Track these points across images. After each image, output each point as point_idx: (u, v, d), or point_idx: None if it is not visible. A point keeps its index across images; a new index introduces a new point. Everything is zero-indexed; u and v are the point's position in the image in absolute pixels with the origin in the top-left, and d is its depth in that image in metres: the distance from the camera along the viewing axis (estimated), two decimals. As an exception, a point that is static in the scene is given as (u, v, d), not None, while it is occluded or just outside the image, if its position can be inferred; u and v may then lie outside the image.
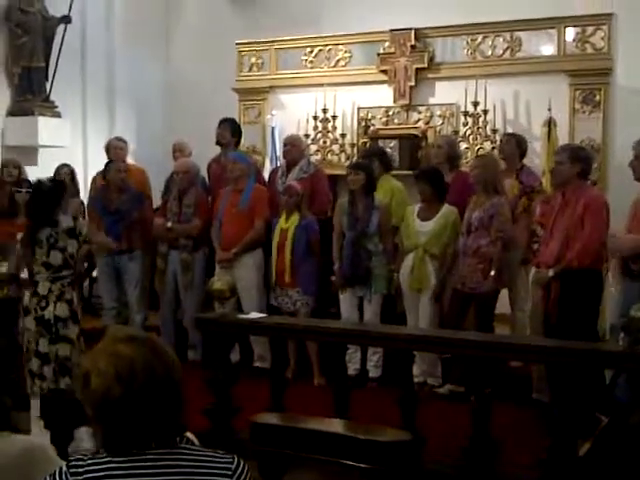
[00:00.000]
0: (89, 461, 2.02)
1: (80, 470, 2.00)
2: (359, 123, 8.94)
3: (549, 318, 5.34)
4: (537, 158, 7.85)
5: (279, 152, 8.68)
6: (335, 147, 8.99)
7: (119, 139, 8.23)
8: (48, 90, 8.97)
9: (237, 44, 9.48)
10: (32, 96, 8.88)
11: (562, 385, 4.82)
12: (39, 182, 5.90)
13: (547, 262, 5.48)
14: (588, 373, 4.81)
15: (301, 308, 6.69)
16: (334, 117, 8.91)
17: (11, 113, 8.86)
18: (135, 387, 2.00)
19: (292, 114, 9.12)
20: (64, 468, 2.02)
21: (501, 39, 8.46)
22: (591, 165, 5.70)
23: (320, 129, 8.97)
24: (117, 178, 7.36)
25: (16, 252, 6.13)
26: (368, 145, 8.56)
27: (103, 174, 7.58)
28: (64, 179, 7.17)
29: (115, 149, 7.98)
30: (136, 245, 7.33)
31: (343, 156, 8.93)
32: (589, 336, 5.12)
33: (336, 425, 3.94)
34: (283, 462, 3.68)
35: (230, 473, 2.08)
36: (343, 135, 8.94)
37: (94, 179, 8.10)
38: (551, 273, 5.38)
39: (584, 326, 5.20)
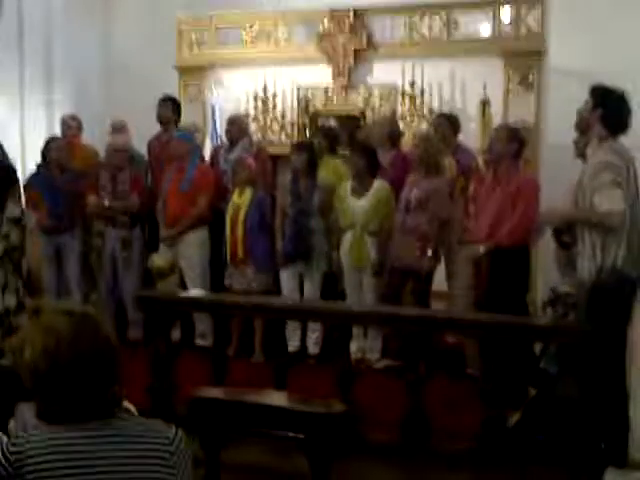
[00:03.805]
0: (31, 433, 2.06)
1: (22, 441, 2.04)
2: (299, 102, 8.98)
3: (480, 293, 5.50)
4: (472, 138, 7.99)
5: (219, 130, 8.70)
6: (275, 126, 9.02)
7: (71, 116, 8.14)
8: (-17, 65, 8.81)
9: (177, 19, 9.41)
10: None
11: (494, 359, 5.00)
12: None
13: (478, 238, 5.64)
14: (518, 347, 5.00)
15: (257, 286, 6.68)
16: (274, 96, 8.94)
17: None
18: (62, 361, 2.06)
19: (232, 92, 9.11)
20: (5, 442, 2.05)
21: (438, 19, 8.56)
22: (524, 147, 5.86)
23: (260, 108, 8.99)
24: (57, 156, 7.31)
25: None
26: (314, 124, 8.60)
27: (43, 152, 7.52)
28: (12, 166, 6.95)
29: (65, 127, 7.89)
30: (77, 223, 7.31)
31: (283, 135, 8.96)
32: (518, 311, 5.29)
33: (273, 397, 4.04)
34: (223, 436, 3.76)
35: (168, 441, 2.15)
36: (283, 114, 8.98)
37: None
38: (482, 250, 5.54)
39: (514, 301, 5.37)
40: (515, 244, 5.50)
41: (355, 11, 8.70)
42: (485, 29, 8.46)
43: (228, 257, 6.81)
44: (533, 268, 6.24)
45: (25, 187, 7.52)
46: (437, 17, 8.54)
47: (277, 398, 3.93)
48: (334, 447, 3.67)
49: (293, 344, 6.64)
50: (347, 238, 6.56)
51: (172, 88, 8.98)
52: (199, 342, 6.97)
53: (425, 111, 8.38)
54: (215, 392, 4.14)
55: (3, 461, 2.02)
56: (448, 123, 6.98)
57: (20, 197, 5.57)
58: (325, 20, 8.81)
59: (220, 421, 3.65)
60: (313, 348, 6.72)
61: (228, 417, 3.71)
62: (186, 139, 7.27)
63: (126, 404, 2.28)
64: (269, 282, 6.78)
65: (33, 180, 7.47)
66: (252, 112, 8.96)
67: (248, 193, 6.79)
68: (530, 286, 6.13)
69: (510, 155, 5.59)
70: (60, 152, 7.34)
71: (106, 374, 2.13)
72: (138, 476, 2.09)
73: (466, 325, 4.86)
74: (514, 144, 5.60)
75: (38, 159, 7.95)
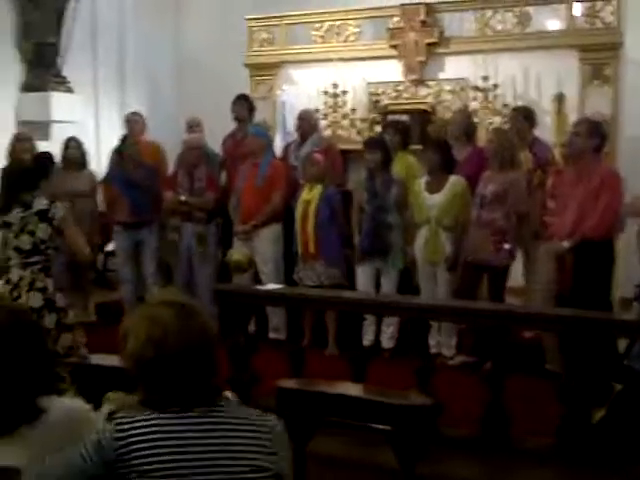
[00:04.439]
0: (134, 418, 2.10)
1: (125, 427, 2.08)
2: (369, 98, 8.98)
3: (563, 290, 5.41)
4: (548, 132, 7.89)
5: (290, 127, 8.75)
6: (345, 122, 9.02)
7: (135, 113, 8.29)
8: (60, 65, 9.00)
9: (247, 19, 9.50)
10: (44, 72, 8.91)
11: (575, 355, 4.92)
12: (19, 160, 5.53)
13: (561, 234, 5.55)
14: (601, 342, 4.91)
15: (326, 280, 6.69)
16: (344, 92, 8.95)
17: (24, 89, 8.89)
18: (166, 350, 2.10)
19: (303, 89, 9.15)
20: (109, 425, 2.11)
21: (511, 14, 8.48)
22: (605, 141, 5.76)
23: (330, 104, 9.01)
24: (131, 152, 7.43)
25: None
26: (386, 119, 8.57)
27: (119, 149, 7.65)
28: (49, 157, 6.92)
29: (131, 123, 8.03)
30: (154, 218, 7.43)
31: (354, 131, 8.97)
32: (603, 307, 5.20)
33: (359, 389, 4.04)
34: (311, 427, 3.77)
35: (267, 430, 2.17)
36: (353, 110, 8.98)
37: (111, 153, 8.15)
38: (566, 245, 5.46)
39: (598, 297, 5.28)
40: (600, 238, 5.40)
41: (427, 6, 8.66)
42: (558, 23, 8.35)
43: (299, 252, 6.83)
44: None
45: (104, 184, 7.70)
46: (510, 12, 8.46)
47: (363, 390, 3.93)
48: (422, 440, 3.66)
49: (368, 338, 6.63)
50: (422, 233, 6.53)
51: (243, 86, 9.06)
52: (273, 335, 7.01)
53: (498, 106, 8.30)
54: (301, 383, 4.16)
55: (107, 448, 2.07)
56: (524, 117, 6.89)
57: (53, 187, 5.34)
58: (396, 16, 8.78)
59: (308, 412, 3.66)
60: (387, 343, 6.70)
61: (316, 408, 3.72)
62: (261, 135, 7.33)
63: (227, 393, 2.31)
64: (339, 277, 6.78)
65: (111, 176, 7.59)
66: (322, 109, 8.98)
67: (318, 189, 6.80)
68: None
69: (592, 149, 5.50)
70: (135, 149, 7.45)
71: (209, 363, 2.17)
72: (239, 463, 2.11)
73: (549, 320, 4.78)
74: (595, 138, 5.51)
75: (112, 156, 8.11)
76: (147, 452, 2.04)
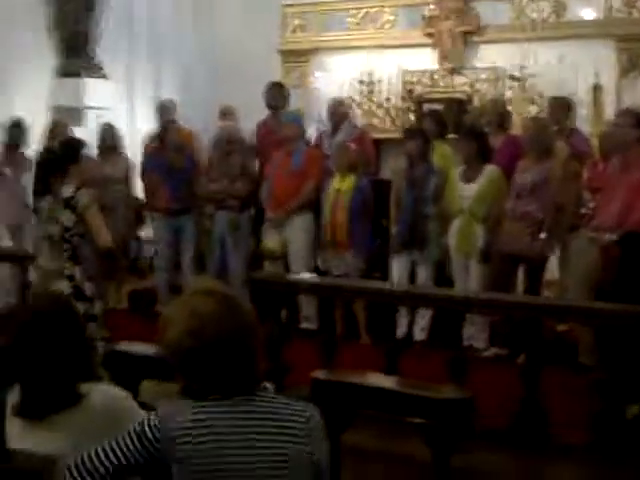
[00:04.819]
0: (175, 407, 2.10)
1: (167, 416, 2.08)
2: (404, 87, 8.92)
3: (605, 282, 5.33)
4: (584, 123, 7.79)
5: (322, 115, 8.70)
6: (380, 111, 8.98)
7: (169, 100, 8.28)
8: (94, 52, 9.04)
9: (283, 5, 9.46)
10: (78, 58, 8.96)
11: (611, 349, 4.87)
12: (47, 149, 5.44)
13: (607, 225, 5.46)
14: (638, 337, 4.84)
15: (354, 271, 6.67)
16: (379, 81, 8.91)
17: (58, 75, 8.94)
18: (205, 340, 2.09)
19: (336, 77, 9.13)
20: (153, 417, 2.10)
21: (546, 3, 8.39)
22: None
23: (365, 93, 8.97)
24: (174, 140, 7.46)
25: None
26: (422, 109, 8.54)
27: (159, 135, 7.66)
28: (77, 142, 6.96)
29: (165, 110, 8.03)
30: (193, 205, 7.47)
31: (388, 120, 8.93)
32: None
33: (393, 381, 4.03)
34: (346, 418, 3.76)
35: (305, 419, 2.16)
36: (388, 99, 8.94)
37: (147, 140, 8.15)
38: (614, 237, 5.35)
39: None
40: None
41: (462, -6, 8.59)
42: (595, 12, 8.25)
43: (326, 241, 6.81)
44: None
45: (143, 171, 7.71)
46: (545, 1, 8.37)
47: (398, 383, 3.92)
48: (456, 433, 3.64)
49: (400, 330, 6.58)
50: (455, 224, 6.48)
51: (276, 73, 9.05)
52: (305, 325, 7.00)
53: (534, 95, 8.22)
54: (336, 375, 4.15)
55: (151, 437, 2.07)
56: (563, 107, 6.80)
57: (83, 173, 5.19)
58: (431, 4, 8.71)
59: (343, 404, 3.65)
60: (420, 334, 6.66)
61: (350, 400, 3.72)
62: (296, 123, 7.32)
63: (266, 384, 2.30)
64: (366, 267, 6.77)
65: (151, 163, 7.62)
66: (356, 97, 8.94)
67: (350, 178, 6.77)
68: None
69: (636, 140, 5.40)
70: (175, 136, 7.49)
71: (248, 353, 2.15)
72: (277, 452, 2.10)
73: (586, 314, 4.74)
74: (639, 129, 5.41)
75: (145, 142, 8.13)
76: (188, 439, 2.05)
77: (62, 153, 5.10)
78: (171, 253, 7.57)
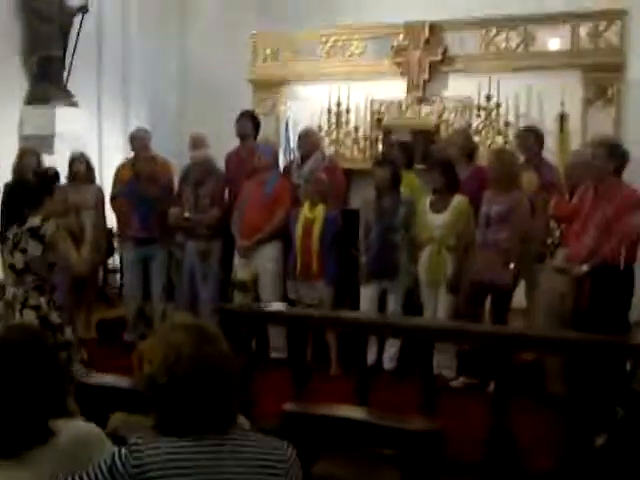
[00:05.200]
0: (150, 444, 2.08)
1: (140, 453, 2.06)
2: (372, 116, 9.00)
3: (577, 313, 5.38)
4: (549, 152, 7.89)
5: (293, 144, 8.76)
6: (348, 141, 9.05)
7: (143, 130, 8.29)
8: (65, 79, 9.01)
9: (252, 35, 9.52)
10: (49, 85, 8.92)
11: (580, 377, 4.91)
12: (23, 178, 5.47)
13: (580, 256, 5.50)
14: (607, 366, 4.90)
15: (326, 300, 6.71)
16: (347, 110, 8.97)
17: (29, 102, 8.90)
18: (180, 375, 2.09)
19: (307, 106, 9.17)
20: (124, 450, 2.09)
21: (515, 33, 8.51)
22: (626, 161, 5.65)
23: (334, 122, 9.03)
24: (147, 169, 7.47)
25: None
26: (390, 139, 8.60)
27: (132, 165, 7.67)
28: (53, 173, 6.74)
29: (141, 140, 8.02)
30: (162, 235, 7.47)
31: (356, 149, 8.99)
32: (621, 330, 5.16)
33: (364, 413, 4.04)
34: (316, 449, 3.76)
35: (284, 458, 2.16)
36: (356, 128, 9.01)
37: (119, 169, 8.16)
38: (585, 268, 5.40)
39: (616, 320, 5.22)
40: (619, 262, 5.35)
41: (431, 25, 8.69)
42: (562, 43, 8.38)
43: (297, 270, 6.82)
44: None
45: (114, 198, 7.70)
46: (514, 31, 8.50)
47: (369, 414, 3.93)
48: (429, 464, 3.66)
49: (369, 358, 6.60)
50: (425, 253, 6.53)
51: (247, 102, 9.08)
52: (274, 355, 6.98)
53: (500, 125, 8.32)
54: (306, 407, 4.16)
55: (122, 470, 2.06)
56: (535, 137, 6.90)
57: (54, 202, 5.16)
58: (400, 34, 8.81)
59: (313, 436, 3.65)
60: (389, 363, 6.69)
61: (321, 432, 3.72)
62: (269, 152, 7.37)
63: (240, 419, 2.30)
64: (334, 295, 6.80)
65: (122, 191, 7.64)
66: (325, 126, 9.00)
67: (320, 208, 6.81)
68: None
69: (611, 172, 5.47)
70: (149, 165, 7.49)
71: (224, 389, 2.15)
72: (252, 492, 2.10)
73: (555, 343, 4.79)
74: (614, 160, 5.47)
75: (113, 171, 8.12)
76: (158, 475, 2.03)
77: (38, 184, 5.09)
78: (140, 282, 7.55)
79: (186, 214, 7.30)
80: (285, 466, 2.15)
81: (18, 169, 7.60)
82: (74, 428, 2.48)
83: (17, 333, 2.58)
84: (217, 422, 2.13)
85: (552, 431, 4.95)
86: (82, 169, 7.69)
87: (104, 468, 2.09)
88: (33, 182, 5.14)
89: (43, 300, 4.87)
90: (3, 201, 7.26)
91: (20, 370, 2.44)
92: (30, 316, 4.79)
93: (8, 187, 5.40)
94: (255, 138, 7.95)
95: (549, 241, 6.26)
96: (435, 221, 6.49)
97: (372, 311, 6.58)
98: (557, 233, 6.21)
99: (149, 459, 2.05)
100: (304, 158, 7.63)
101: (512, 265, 6.11)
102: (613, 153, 5.51)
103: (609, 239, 5.37)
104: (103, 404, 4.02)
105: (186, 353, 2.11)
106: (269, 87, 9.50)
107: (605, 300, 5.26)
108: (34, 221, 4.85)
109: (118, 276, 8.37)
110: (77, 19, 9.00)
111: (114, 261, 8.22)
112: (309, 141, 7.70)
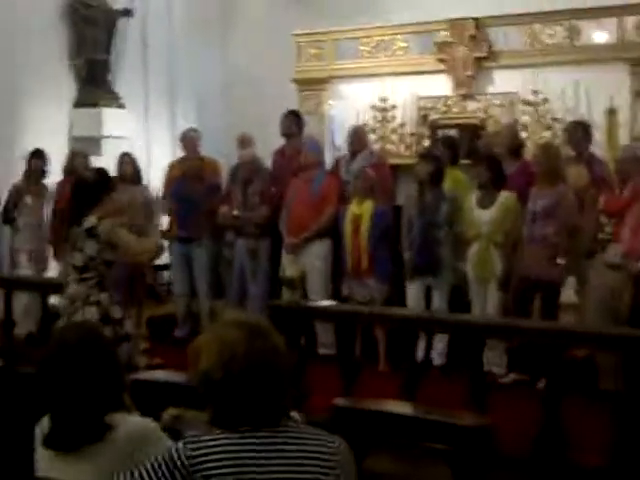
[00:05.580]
0: (205, 438, 2.12)
1: (196, 446, 2.10)
2: (418, 112, 8.99)
3: (636, 308, 5.29)
4: (597, 147, 7.81)
5: (337, 142, 8.78)
6: (394, 137, 9.05)
7: (193, 130, 8.37)
8: (112, 82, 9.15)
9: (295, 35, 9.57)
10: (96, 88, 9.08)
11: (633, 375, 4.85)
12: (83, 178, 5.39)
13: (638, 252, 5.41)
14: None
15: (377, 297, 6.69)
16: (393, 107, 8.98)
17: (77, 105, 9.06)
18: (234, 371, 2.12)
19: (351, 104, 9.20)
20: (180, 445, 2.12)
21: (560, 28, 8.44)
22: None
23: (379, 119, 9.04)
24: (194, 169, 7.59)
25: None
26: (436, 135, 8.58)
27: (180, 164, 7.77)
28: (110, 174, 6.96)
29: (191, 140, 8.11)
30: (204, 234, 7.54)
31: (402, 146, 8.99)
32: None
33: (416, 409, 4.04)
34: (367, 444, 3.78)
35: (334, 451, 2.17)
36: (402, 125, 9.01)
37: (169, 168, 8.25)
38: None
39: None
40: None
41: (475, 20, 8.65)
42: (608, 36, 8.29)
43: (349, 267, 6.83)
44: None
45: (164, 197, 7.82)
46: (559, 26, 8.43)
47: (420, 409, 3.94)
48: (479, 460, 3.65)
49: (418, 355, 6.60)
50: (473, 249, 6.50)
51: (291, 101, 9.12)
52: (322, 351, 7.01)
53: (548, 120, 8.27)
54: (356, 402, 4.18)
55: (180, 466, 2.09)
56: (583, 131, 6.83)
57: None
58: (445, 30, 8.79)
59: (365, 430, 3.67)
60: (438, 359, 6.67)
61: (372, 427, 3.74)
62: (316, 150, 7.41)
63: (294, 414, 2.33)
64: (388, 292, 6.78)
65: (170, 191, 7.74)
66: (371, 123, 9.01)
67: (368, 204, 6.81)
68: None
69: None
70: (196, 165, 7.64)
71: (277, 384, 2.17)
72: (304, 485, 2.11)
73: (606, 339, 4.74)
74: None
75: (160, 171, 8.24)
76: (216, 472, 2.06)
77: (96, 184, 5.20)
78: (186, 280, 7.67)
79: (235, 212, 7.38)
80: (337, 459, 2.17)
81: (68, 170, 7.77)
82: (131, 423, 2.53)
83: (75, 332, 2.64)
84: (271, 416, 2.16)
85: (603, 428, 4.89)
86: (129, 170, 7.79)
87: (162, 463, 2.12)
88: (91, 182, 5.24)
89: (104, 296, 4.98)
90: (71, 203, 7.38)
91: (78, 367, 2.49)
92: (92, 311, 4.91)
93: (68, 188, 5.53)
94: (300, 137, 8.00)
95: (600, 236, 6.19)
96: (482, 217, 6.44)
97: (418, 307, 6.57)
98: (608, 229, 6.13)
99: (205, 451, 2.09)
100: (353, 155, 7.66)
101: (560, 260, 6.05)
102: None
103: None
104: (155, 399, 4.07)
105: (240, 349, 2.14)
106: (313, 86, 9.53)
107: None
108: (91, 221, 4.95)
109: (167, 274, 8.46)
110: (122, 22, 9.13)
111: (163, 259, 8.30)
112: (359, 138, 7.75)
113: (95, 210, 4.98)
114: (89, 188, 5.11)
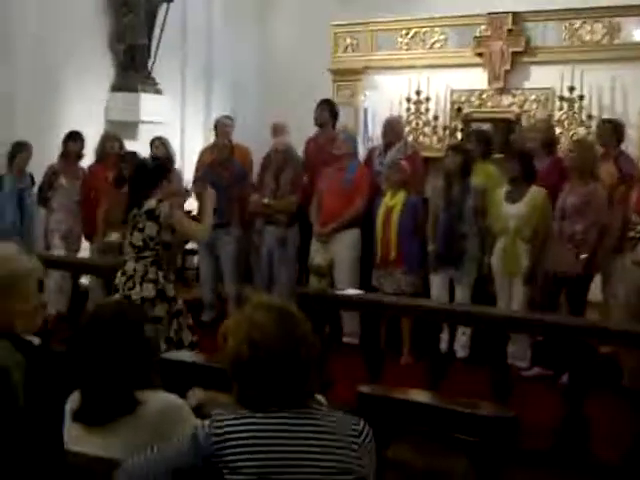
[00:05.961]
0: (230, 416, 2.18)
1: (222, 424, 2.16)
2: (452, 106, 8.99)
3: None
4: (632, 145, 7.78)
5: (371, 133, 8.81)
6: (427, 129, 9.07)
7: (227, 117, 8.45)
8: (150, 67, 9.24)
9: (332, 25, 9.59)
10: (135, 73, 9.17)
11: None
12: (143, 163, 5.78)
13: None
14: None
15: (406, 289, 6.70)
16: (427, 99, 8.99)
17: (115, 89, 9.16)
18: (262, 353, 2.17)
19: (385, 95, 9.21)
20: (207, 422, 2.19)
21: (600, 25, 8.40)
22: None
23: (413, 111, 9.06)
24: (223, 155, 7.64)
25: None
26: (470, 128, 8.58)
27: (212, 151, 7.84)
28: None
29: (223, 127, 8.18)
30: (233, 220, 7.60)
31: (435, 138, 9.00)
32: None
33: (441, 399, 4.06)
34: (390, 432, 3.81)
35: (357, 433, 2.23)
36: (436, 117, 9.01)
37: (201, 154, 8.34)
38: None
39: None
40: None
41: (514, 15, 8.63)
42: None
43: (378, 258, 6.87)
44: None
45: (195, 182, 7.90)
46: (599, 22, 8.38)
47: (445, 399, 3.95)
48: (502, 451, 3.67)
49: (442, 346, 6.63)
50: (500, 243, 6.51)
51: (326, 91, 9.16)
52: (347, 340, 7.07)
53: (583, 117, 8.23)
54: (382, 390, 4.20)
55: (204, 443, 2.15)
56: (612, 129, 6.81)
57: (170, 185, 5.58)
58: (483, 24, 8.77)
59: (389, 418, 3.70)
60: (461, 351, 6.70)
61: (397, 415, 3.76)
62: (349, 140, 7.44)
63: (318, 396, 2.38)
64: (418, 285, 6.81)
65: (199, 177, 7.80)
66: (405, 115, 9.02)
67: (401, 195, 6.83)
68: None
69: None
70: (225, 152, 7.67)
71: (303, 366, 2.22)
72: (327, 464, 2.17)
73: (631, 337, 4.74)
74: None
75: (195, 156, 8.30)
76: (241, 449, 2.12)
77: (155, 169, 5.46)
78: (212, 265, 7.74)
79: (265, 200, 7.43)
80: (360, 441, 2.23)
81: (99, 153, 7.87)
82: (161, 400, 2.60)
83: (108, 309, 2.72)
84: (296, 397, 2.21)
85: (626, 424, 4.90)
86: (160, 153, 7.86)
87: (188, 438, 2.19)
88: (151, 167, 5.50)
89: (160, 274, 5.23)
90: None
91: (110, 342, 2.57)
92: (149, 288, 5.19)
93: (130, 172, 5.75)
94: (333, 126, 8.04)
95: (630, 234, 6.17)
96: (510, 211, 6.43)
97: (442, 299, 6.59)
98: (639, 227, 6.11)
99: (229, 429, 2.14)
100: (388, 146, 7.67)
101: (583, 256, 6.04)
102: None
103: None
104: (180, 379, 4.15)
105: (269, 331, 2.19)
106: (348, 76, 9.56)
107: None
108: (150, 203, 5.20)
109: (196, 258, 8.55)
110: (162, 9, 9.21)
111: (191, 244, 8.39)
112: (394, 130, 7.75)
113: (154, 193, 5.24)
114: (149, 173, 5.39)
